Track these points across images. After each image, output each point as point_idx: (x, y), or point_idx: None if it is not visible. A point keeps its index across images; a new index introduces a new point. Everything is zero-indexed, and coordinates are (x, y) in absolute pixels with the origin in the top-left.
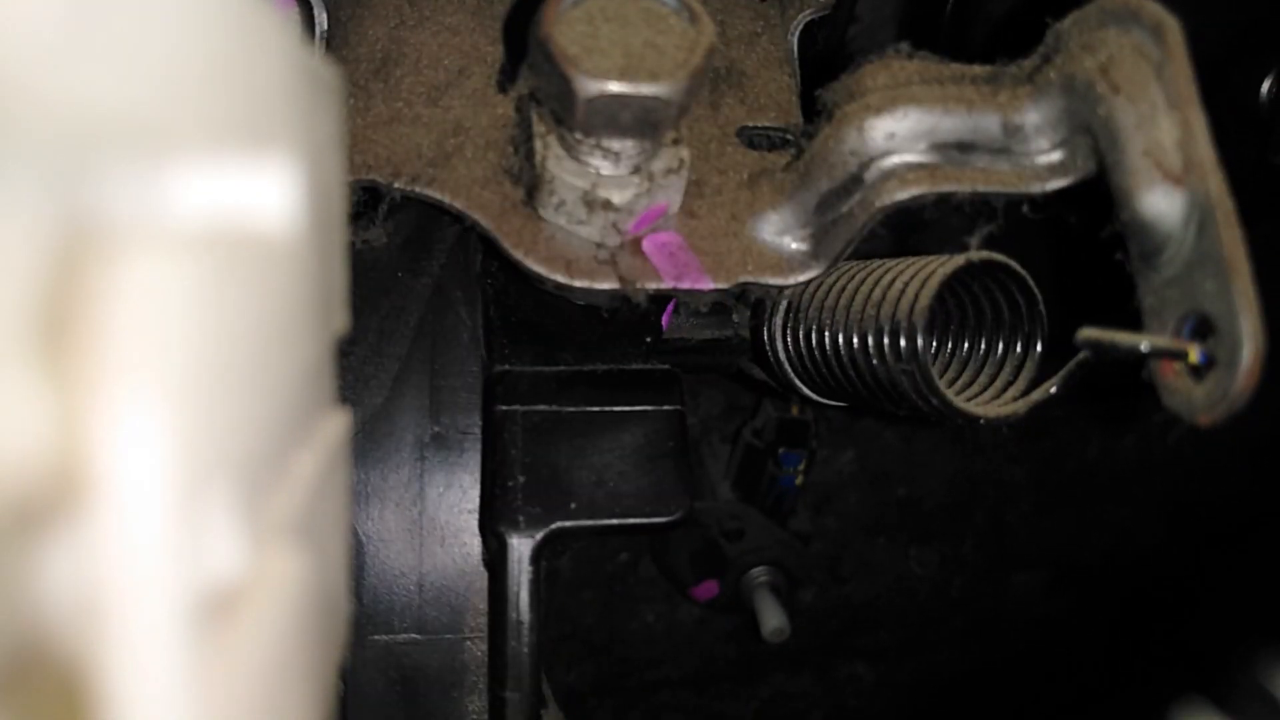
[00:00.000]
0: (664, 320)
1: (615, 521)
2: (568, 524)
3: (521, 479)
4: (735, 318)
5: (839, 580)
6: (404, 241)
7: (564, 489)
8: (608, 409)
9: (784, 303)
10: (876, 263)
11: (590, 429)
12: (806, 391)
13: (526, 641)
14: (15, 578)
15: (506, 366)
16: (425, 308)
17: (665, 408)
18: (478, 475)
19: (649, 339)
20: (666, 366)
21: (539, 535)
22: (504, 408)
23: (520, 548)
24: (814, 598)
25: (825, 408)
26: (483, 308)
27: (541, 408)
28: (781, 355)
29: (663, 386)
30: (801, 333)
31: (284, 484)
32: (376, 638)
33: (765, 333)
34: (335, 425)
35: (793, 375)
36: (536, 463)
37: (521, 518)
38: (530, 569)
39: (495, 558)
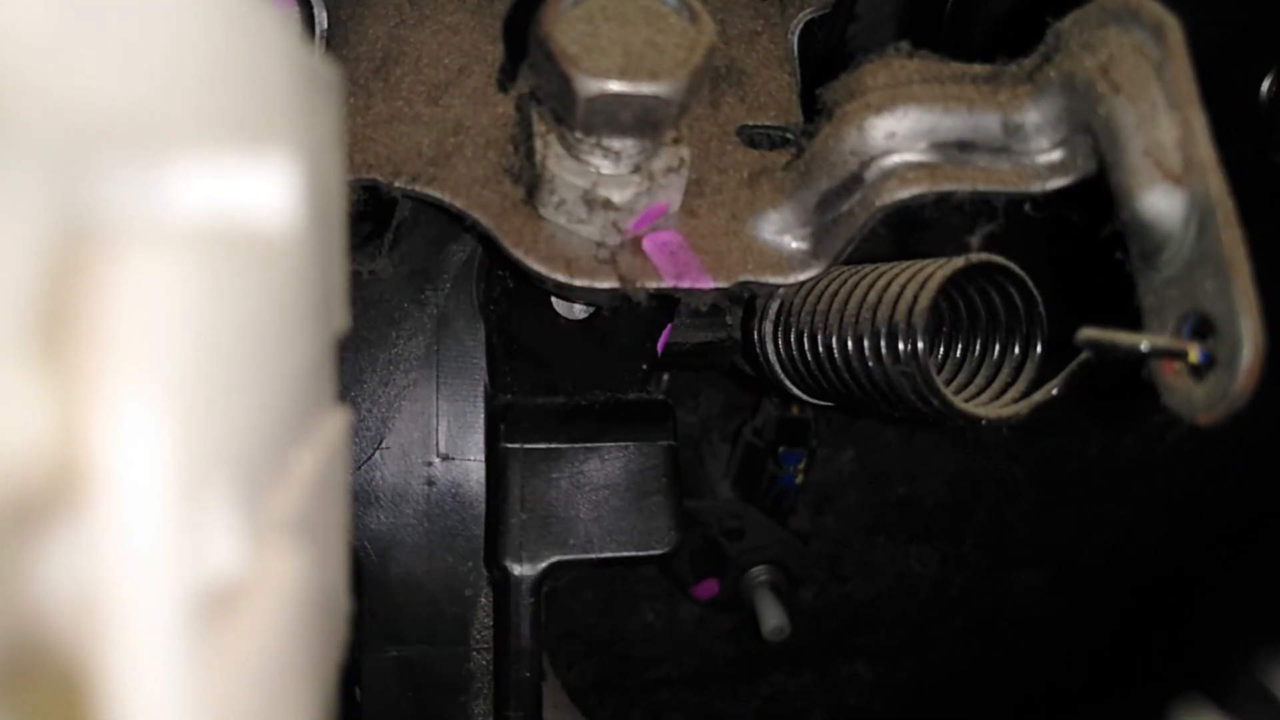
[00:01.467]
0: (659, 345)
1: (609, 555)
2: (566, 557)
3: (524, 516)
4: (729, 319)
5: (839, 579)
6: (410, 272)
7: (562, 524)
8: (604, 444)
9: (775, 305)
10: (869, 267)
11: (587, 465)
12: (796, 392)
13: (529, 666)
14: (14, 576)
15: (509, 397)
16: (431, 337)
17: (659, 443)
18: (483, 492)
19: (645, 365)
20: (661, 397)
21: (539, 568)
22: (507, 445)
23: (522, 581)
24: (814, 597)
25: (825, 407)
26: (486, 336)
27: (542, 446)
28: (771, 356)
29: (657, 419)
30: (793, 335)
31: (284, 482)
32: (390, 649)
33: (756, 334)
34: (335, 424)
35: (783, 376)
36: (536, 499)
37: (523, 553)
38: (531, 600)
39: (498, 588)
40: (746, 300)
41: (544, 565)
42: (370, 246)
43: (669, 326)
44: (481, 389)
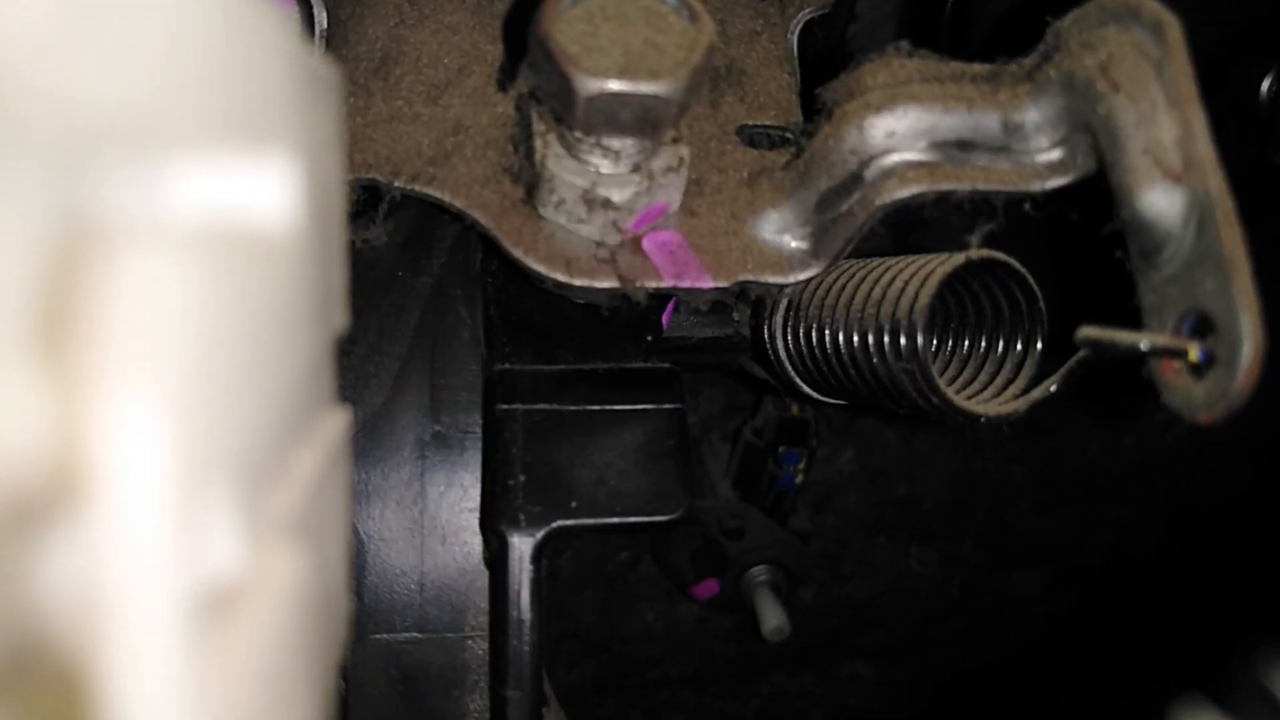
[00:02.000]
0: (664, 319)
1: (616, 520)
2: (569, 522)
3: (522, 478)
4: (735, 316)
5: (839, 579)
6: (404, 240)
7: (565, 487)
8: (608, 408)
9: (784, 301)
10: (877, 261)
11: (591, 427)
12: (807, 389)
13: (528, 640)
14: (14, 576)
15: (507, 365)
16: (425, 306)
17: (665, 406)
18: (478, 474)
19: (649, 338)
20: (667, 365)
21: (540, 534)
22: (504, 406)
23: (521, 546)
24: (814, 597)
25: (825, 407)
26: (483, 306)
27: (542, 406)
28: (782, 353)
29: (663, 384)
30: (802, 331)
31: (284, 482)
32: (378, 636)
33: (766, 331)
34: (335, 424)
35: (793, 373)
36: (537, 461)
37: (522, 516)
38: (531, 567)
39: (496, 556)
40: (755, 299)
41: (545, 531)
42: (364, 216)
43: (674, 300)
44: (478, 359)
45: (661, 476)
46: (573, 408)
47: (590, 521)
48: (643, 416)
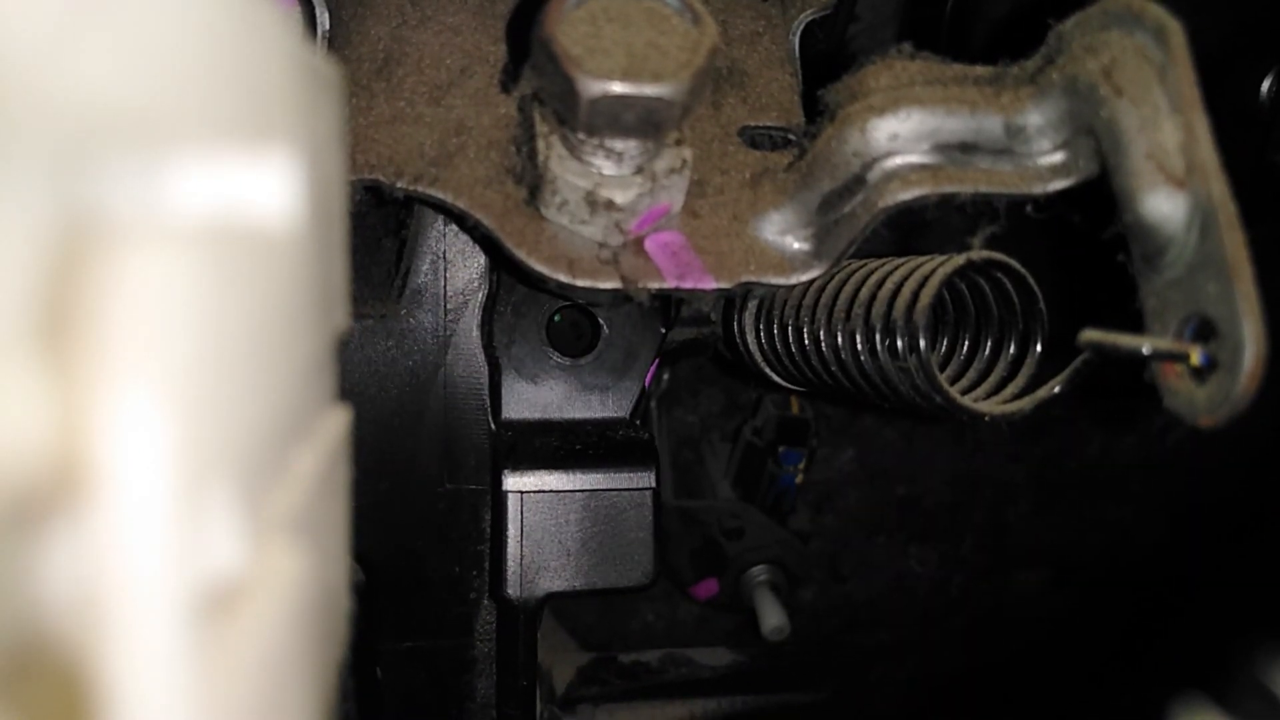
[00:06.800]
0: (647, 379)
1: (597, 586)
2: (559, 589)
3: (521, 553)
4: (713, 316)
5: (839, 579)
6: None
7: (556, 560)
8: (595, 489)
9: (754, 301)
10: (858, 263)
11: (580, 508)
12: (777, 379)
13: (525, 677)
14: (15, 572)
15: (510, 435)
16: (441, 363)
17: (642, 488)
18: (482, 514)
19: (634, 400)
20: (646, 437)
21: (535, 600)
22: (508, 490)
23: (521, 610)
24: (814, 596)
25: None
26: (490, 374)
27: (539, 491)
28: (752, 347)
29: (641, 463)
30: (776, 328)
31: (284, 480)
32: (405, 642)
33: (736, 325)
34: (335, 423)
35: (764, 366)
36: (534, 539)
37: (522, 586)
38: (528, 626)
39: (500, 613)
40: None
41: (539, 597)
42: (381, 289)
43: (656, 361)
44: (486, 424)
45: (634, 548)
46: (565, 489)
47: (577, 588)
48: (625, 496)
